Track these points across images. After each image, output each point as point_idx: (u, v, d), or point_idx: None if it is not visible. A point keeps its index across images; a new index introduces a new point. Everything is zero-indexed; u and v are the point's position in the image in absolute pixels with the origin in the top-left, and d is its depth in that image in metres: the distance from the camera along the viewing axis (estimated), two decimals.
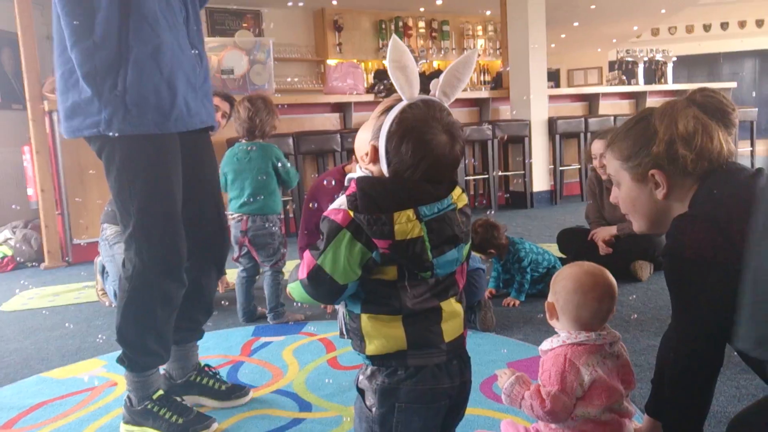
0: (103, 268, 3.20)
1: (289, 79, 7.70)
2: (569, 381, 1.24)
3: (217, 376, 1.94)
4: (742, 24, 12.50)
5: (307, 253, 1.02)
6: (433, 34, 9.20)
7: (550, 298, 1.33)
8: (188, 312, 1.84)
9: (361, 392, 1.10)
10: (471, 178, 6.00)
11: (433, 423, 1.06)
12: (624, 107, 7.11)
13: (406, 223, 0.96)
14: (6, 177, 5.93)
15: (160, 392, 1.74)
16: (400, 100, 1.03)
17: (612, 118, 6.29)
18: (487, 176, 5.88)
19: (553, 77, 11.30)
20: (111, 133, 1.55)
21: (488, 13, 9.20)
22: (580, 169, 6.28)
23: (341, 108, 5.46)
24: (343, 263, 0.98)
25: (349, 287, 1.01)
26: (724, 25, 12.52)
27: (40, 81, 4.36)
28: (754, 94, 13.14)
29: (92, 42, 1.51)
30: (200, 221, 1.80)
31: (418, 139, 0.99)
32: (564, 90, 7.97)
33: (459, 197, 1.04)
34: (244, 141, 2.73)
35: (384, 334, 1.02)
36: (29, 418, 1.89)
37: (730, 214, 1.12)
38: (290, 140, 4.81)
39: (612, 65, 10.99)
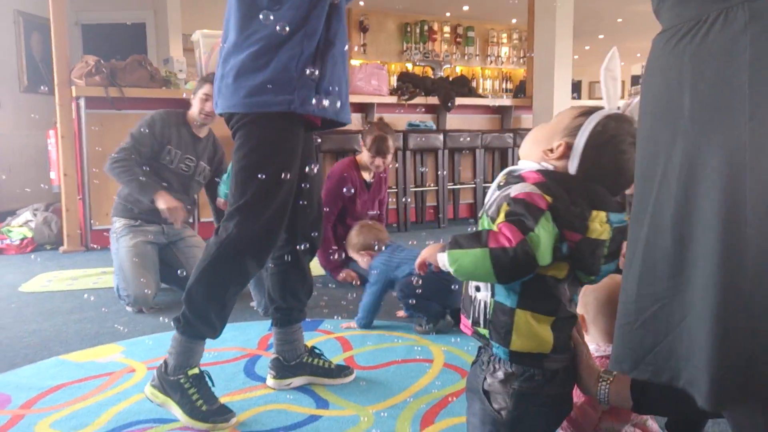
0: None
1: None
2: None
3: (323, 356, 2.05)
4: None
5: (506, 225, 0.98)
6: (458, 39, 9.21)
7: (580, 310, 1.32)
8: (297, 293, 1.96)
9: (486, 394, 1.09)
10: (489, 185, 5.99)
11: (554, 427, 1.12)
12: None
13: (599, 224, 1.00)
14: (29, 160, 6.01)
15: (197, 370, 1.75)
16: (596, 108, 1.09)
17: None
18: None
19: (575, 89, 11.24)
20: (299, 111, 1.67)
21: (514, 21, 9.19)
22: None
23: (363, 108, 5.47)
24: (546, 244, 0.97)
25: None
26: None
27: (69, 66, 4.40)
28: None
29: (304, 32, 1.66)
30: (310, 208, 1.91)
31: (617, 149, 1.05)
32: (586, 102, 7.94)
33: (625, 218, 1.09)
34: None
35: (533, 333, 1.04)
36: (48, 399, 1.91)
37: None
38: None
39: (635, 79, 10.93)
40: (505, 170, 1.12)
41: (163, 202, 2.90)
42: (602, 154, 1.05)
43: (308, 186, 1.89)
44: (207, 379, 1.77)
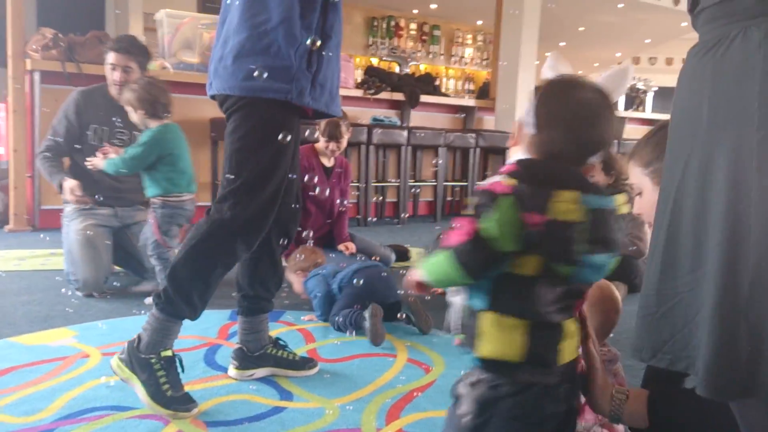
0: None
1: None
2: None
3: (287, 347, 2.02)
4: None
5: (461, 220, 0.94)
6: (424, 37, 9.24)
7: None
8: (266, 282, 1.93)
9: (456, 398, 1.03)
10: (450, 184, 6.05)
11: None
12: None
13: (567, 203, 0.91)
14: None
15: (170, 352, 1.71)
16: None
17: None
18: (466, 183, 5.93)
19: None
20: (295, 102, 1.67)
21: (479, 22, 9.28)
22: None
23: None
24: (508, 227, 0.90)
25: (493, 270, 0.95)
26: None
27: (24, 38, 4.21)
28: None
29: (304, 23, 1.66)
30: (289, 198, 1.88)
31: (563, 105, 1.01)
32: None
33: (621, 207, 1.02)
34: (167, 121, 2.66)
35: (502, 340, 0.95)
36: None
37: None
38: None
39: None
40: None
41: (65, 186, 2.84)
42: (551, 114, 0.99)
43: (292, 177, 1.86)
44: (178, 364, 1.72)
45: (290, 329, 2.43)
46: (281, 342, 2.03)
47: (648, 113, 8.32)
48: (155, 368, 1.67)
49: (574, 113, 0.99)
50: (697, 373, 0.85)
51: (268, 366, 1.95)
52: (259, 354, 1.94)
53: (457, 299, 1.05)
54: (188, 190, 2.70)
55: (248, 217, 1.68)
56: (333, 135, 3.42)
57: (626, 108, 8.66)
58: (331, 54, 1.75)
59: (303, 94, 1.67)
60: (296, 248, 2.87)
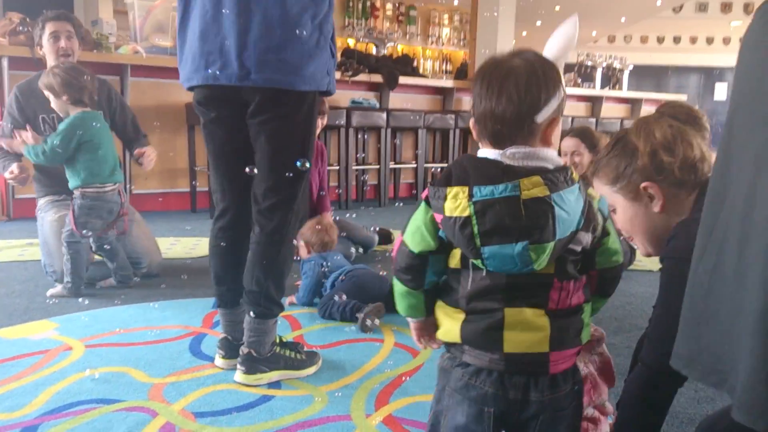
0: None
1: None
2: None
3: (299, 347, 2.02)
4: (693, 40, 12.97)
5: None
6: (400, 18, 9.15)
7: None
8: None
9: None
10: (430, 165, 6.04)
11: (479, 429, 0.97)
12: (581, 109, 7.28)
13: (454, 199, 0.90)
14: None
15: (277, 339, 1.89)
16: None
17: (570, 118, 6.42)
18: (446, 165, 5.93)
19: None
20: (321, 90, 1.75)
21: (456, 2, 9.22)
22: None
23: None
24: (415, 229, 0.96)
25: (430, 270, 0.98)
26: (677, 39, 12.96)
27: None
28: (697, 107, 13.68)
29: (328, 13, 1.73)
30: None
31: (483, 86, 0.96)
32: None
33: (532, 189, 0.90)
34: (88, 109, 2.60)
35: (442, 323, 1.00)
36: None
37: None
38: None
39: (569, 67, 11.21)
40: None
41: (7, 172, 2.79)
42: (474, 100, 0.97)
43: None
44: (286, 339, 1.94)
45: None
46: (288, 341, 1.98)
47: (624, 92, 8.38)
48: (281, 353, 1.84)
49: (478, 92, 0.95)
50: (732, 392, 0.73)
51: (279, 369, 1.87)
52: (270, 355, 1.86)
53: None
54: (111, 180, 2.62)
55: (299, 212, 1.83)
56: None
57: (603, 87, 8.71)
58: (331, 42, 1.80)
59: (330, 82, 1.77)
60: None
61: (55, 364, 1.90)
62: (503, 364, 0.94)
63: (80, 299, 2.54)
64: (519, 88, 0.91)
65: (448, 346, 1.01)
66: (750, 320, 0.69)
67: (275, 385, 1.80)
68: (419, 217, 0.96)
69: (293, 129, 1.73)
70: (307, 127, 1.76)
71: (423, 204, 0.96)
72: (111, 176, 2.62)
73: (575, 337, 0.97)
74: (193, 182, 4.85)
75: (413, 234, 0.97)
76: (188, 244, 3.69)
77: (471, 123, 1.00)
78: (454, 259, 0.97)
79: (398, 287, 1.02)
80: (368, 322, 2.24)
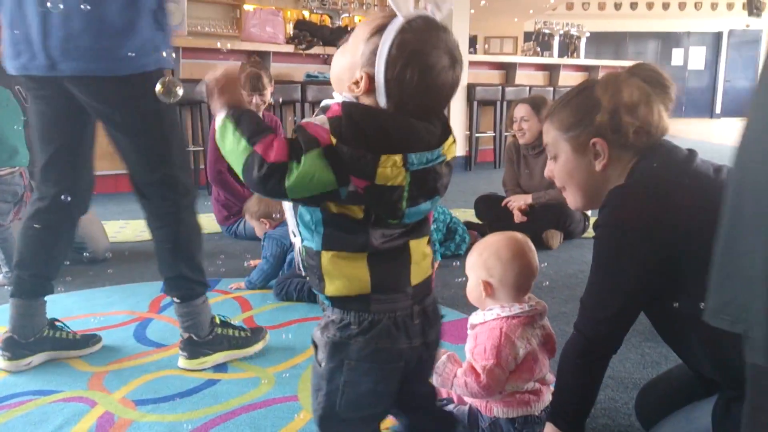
0: None
1: (201, 22, 7.28)
2: (504, 355, 1.23)
3: (65, 326, 1.86)
4: (650, 6, 13.08)
5: (281, 141, 0.88)
6: None
7: (483, 276, 1.31)
8: (58, 258, 1.79)
9: (315, 346, 1.02)
10: None
11: (385, 387, 0.98)
12: (539, 78, 7.28)
13: (391, 169, 0.87)
14: None
15: (216, 319, 1.84)
16: (391, 16, 0.91)
17: (528, 88, 6.42)
18: None
19: (471, 44, 11.39)
20: (149, 70, 1.61)
21: None
22: (495, 136, 6.39)
23: (259, 58, 5.24)
24: (305, 178, 0.86)
25: (305, 215, 0.94)
26: (634, 5, 13.05)
27: None
28: (667, 75, 13.88)
29: None
30: (87, 168, 1.84)
31: (424, 65, 0.89)
32: (483, 57, 8.04)
33: (449, 148, 0.94)
34: None
35: (346, 275, 0.94)
36: None
37: (669, 188, 1.12)
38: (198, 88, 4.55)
39: (528, 36, 11.21)
40: (322, 103, 1.00)
41: None
42: (405, 81, 0.89)
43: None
44: (224, 318, 1.88)
45: (226, 298, 2.37)
46: (59, 322, 1.86)
47: (582, 59, 8.41)
48: (224, 333, 1.80)
49: (428, 80, 0.92)
50: (753, 337, 0.72)
51: (46, 350, 1.78)
52: (34, 339, 1.76)
53: (296, 240, 1.01)
54: (10, 164, 2.50)
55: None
56: (255, 87, 3.23)
57: (560, 55, 8.73)
58: None
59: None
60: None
61: None
62: (410, 300, 0.97)
63: None
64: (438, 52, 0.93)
65: (345, 303, 0.96)
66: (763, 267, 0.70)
67: (221, 368, 1.76)
68: (313, 167, 0.88)
69: (135, 118, 1.61)
70: (153, 113, 1.61)
71: (320, 154, 0.88)
72: (10, 159, 2.49)
73: None
74: None
75: (302, 183, 0.88)
76: (138, 226, 3.59)
77: None
78: (357, 212, 0.92)
79: (238, 163, 0.91)
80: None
